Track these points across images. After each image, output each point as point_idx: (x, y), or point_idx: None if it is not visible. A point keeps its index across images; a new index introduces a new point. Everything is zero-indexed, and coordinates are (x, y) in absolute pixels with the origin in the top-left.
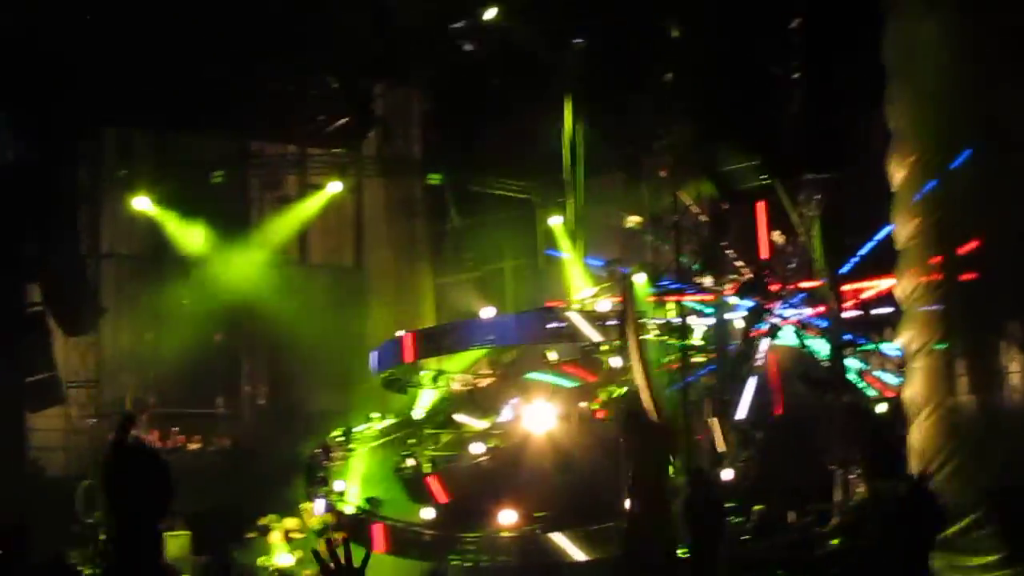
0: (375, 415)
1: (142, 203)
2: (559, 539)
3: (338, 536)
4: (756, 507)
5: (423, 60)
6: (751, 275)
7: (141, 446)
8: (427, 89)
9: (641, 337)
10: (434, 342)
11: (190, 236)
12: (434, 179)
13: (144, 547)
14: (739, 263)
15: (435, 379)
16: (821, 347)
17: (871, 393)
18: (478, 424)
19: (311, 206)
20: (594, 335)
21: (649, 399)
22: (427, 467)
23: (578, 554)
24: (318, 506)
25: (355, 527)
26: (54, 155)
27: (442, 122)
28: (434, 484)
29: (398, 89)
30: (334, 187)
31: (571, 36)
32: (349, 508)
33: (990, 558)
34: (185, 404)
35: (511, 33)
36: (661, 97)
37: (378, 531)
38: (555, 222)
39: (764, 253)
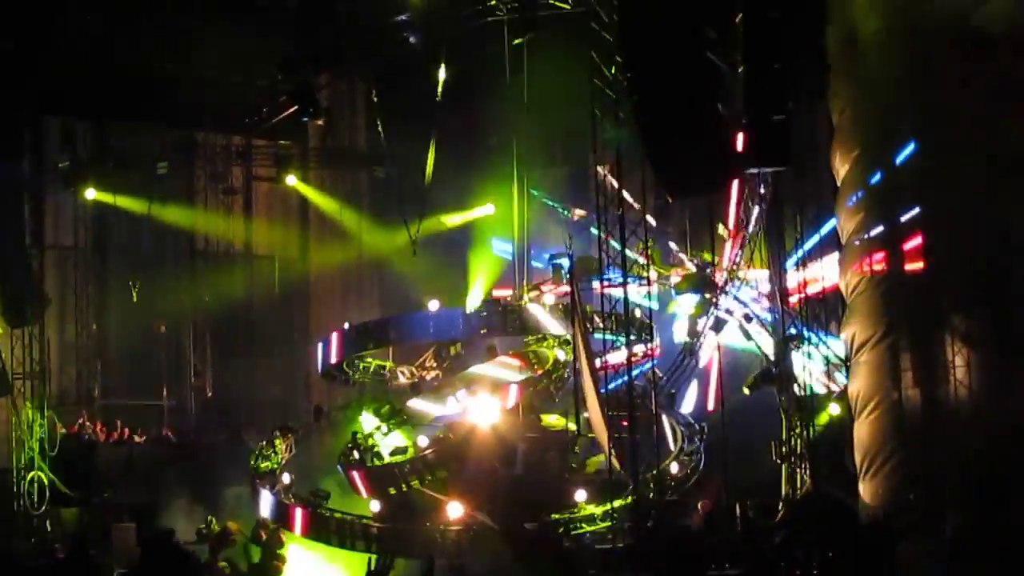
0: (322, 407)
1: (87, 194)
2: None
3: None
4: (702, 501)
5: (367, 52)
6: (695, 268)
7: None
8: (372, 81)
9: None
10: (378, 335)
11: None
12: (378, 171)
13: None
14: (684, 256)
15: (378, 372)
16: (766, 341)
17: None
18: (433, 409)
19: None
20: (545, 327)
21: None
22: (373, 460)
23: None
24: (264, 500)
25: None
26: None
27: (388, 114)
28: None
29: (343, 80)
30: (290, 180)
31: (517, 29)
32: (296, 500)
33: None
34: (130, 395)
35: (455, 26)
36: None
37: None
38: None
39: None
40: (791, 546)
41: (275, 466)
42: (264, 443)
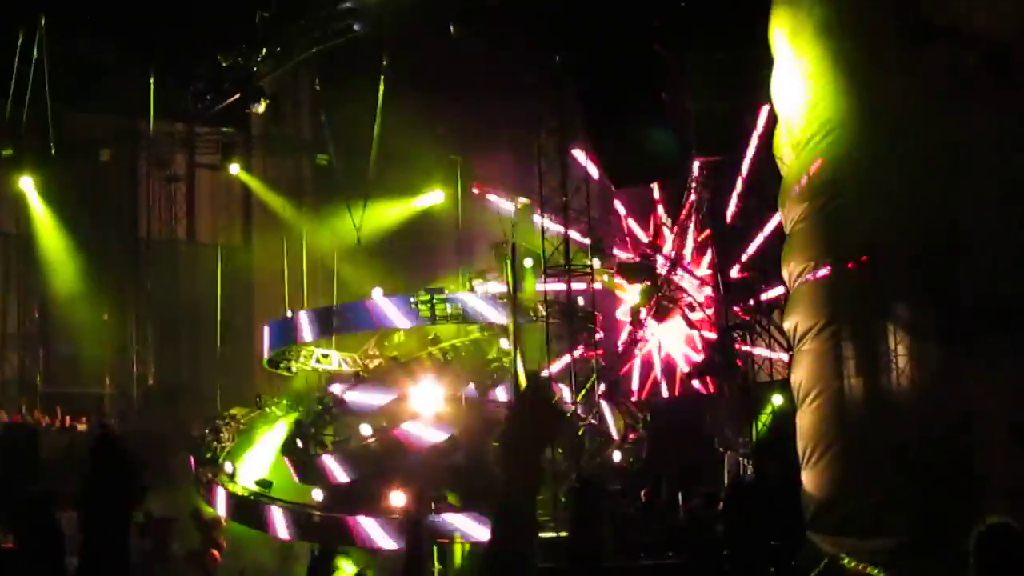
0: (265, 396)
1: (25, 184)
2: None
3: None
4: (644, 489)
5: (312, 39)
6: (638, 257)
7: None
8: (316, 69)
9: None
10: (321, 324)
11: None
12: (323, 159)
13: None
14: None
15: (321, 360)
16: (708, 329)
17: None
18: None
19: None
20: (487, 316)
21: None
22: (316, 449)
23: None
24: (207, 489)
25: (246, 509)
26: None
27: (332, 102)
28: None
29: (286, 68)
30: (233, 168)
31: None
32: (239, 490)
33: (884, 541)
34: (73, 384)
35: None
36: (550, 77)
37: (273, 514)
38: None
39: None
40: (731, 536)
41: (218, 455)
42: (207, 431)
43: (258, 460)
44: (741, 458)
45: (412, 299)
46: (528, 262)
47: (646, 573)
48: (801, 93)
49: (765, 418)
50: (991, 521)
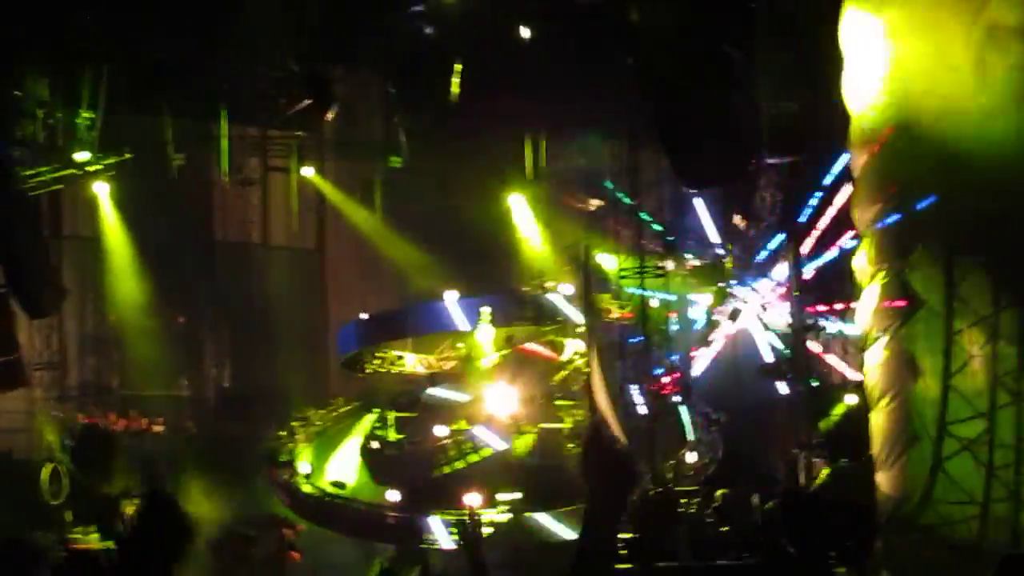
0: (340, 397)
1: (99, 189)
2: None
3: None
4: (719, 491)
5: (382, 44)
6: (712, 259)
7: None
8: (387, 72)
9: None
10: (395, 326)
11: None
12: (395, 162)
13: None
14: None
15: (396, 362)
16: (783, 330)
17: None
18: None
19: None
20: (566, 316)
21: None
22: (391, 450)
23: (559, 533)
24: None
25: (322, 510)
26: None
27: (404, 105)
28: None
29: (358, 72)
30: (306, 171)
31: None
32: (314, 491)
33: (960, 540)
34: (148, 387)
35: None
36: (619, 80)
37: (348, 515)
38: (516, 201)
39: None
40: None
41: (294, 456)
42: (283, 433)
43: (333, 461)
44: (804, 459)
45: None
46: (608, 261)
47: (720, 574)
48: (872, 91)
49: (836, 418)
50: None
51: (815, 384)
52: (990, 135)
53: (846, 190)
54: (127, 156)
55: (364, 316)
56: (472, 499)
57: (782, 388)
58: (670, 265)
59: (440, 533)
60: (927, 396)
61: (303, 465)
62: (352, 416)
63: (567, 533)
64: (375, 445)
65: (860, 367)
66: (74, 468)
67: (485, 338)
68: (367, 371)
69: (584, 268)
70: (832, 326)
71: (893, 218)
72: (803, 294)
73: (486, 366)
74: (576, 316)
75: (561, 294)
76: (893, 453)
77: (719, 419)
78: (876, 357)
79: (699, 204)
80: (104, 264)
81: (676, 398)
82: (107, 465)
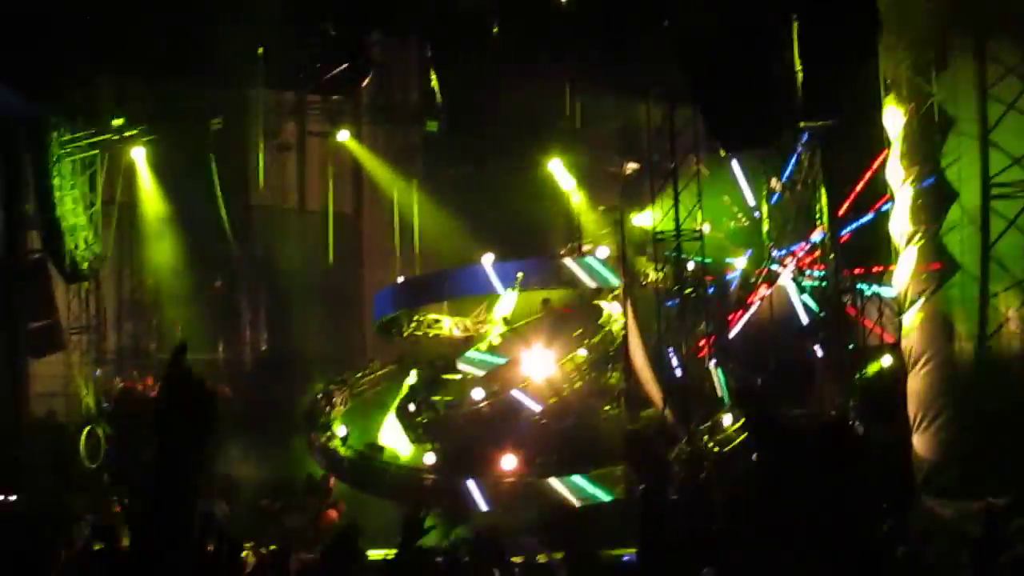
0: (376, 360)
1: (136, 154)
2: (559, 484)
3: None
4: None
5: (420, 7)
6: (747, 221)
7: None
8: (425, 37)
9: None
10: (432, 290)
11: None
12: (431, 126)
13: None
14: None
15: (433, 326)
16: (819, 293)
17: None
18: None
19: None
20: (603, 279)
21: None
22: (428, 412)
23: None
24: (319, 452)
25: (359, 472)
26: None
27: (441, 69)
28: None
29: (395, 36)
30: (342, 135)
31: None
32: (351, 454)
33: (996, 502)
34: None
35: None
36: (657, 45)
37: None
38: (555, 166)
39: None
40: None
41: (331, 419)
42: (320, 396)
43: (370, 424)
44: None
45: (522, 265)
46: (644, 220)
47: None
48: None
49: (871, 378)
50: None
51: (851, 347)
52: None
53: (883, 153)
54: (162, 121)
55: (401, 279)
56: (508, 461)
57: (818, 350)
58: (707, 228)
59: (477, 495)
60: (963, 359)
61: (340, 428)
62: (389, 379)
63: (602, 495)
64: (412, 408)
65: (897, 330)
66: (111, 431)
67: (515, 302)
68: (404, 334)
69: (621, 231)
70: (868, 289)
71: (929, 181)
72: (839, 257)
73: (522, 329)
74: (613, 279)
75: (598, 257)
76: (928, 416)
77: (755, 382)
78: (913, 320)
79: (736, 166)
80: (141, 229)
81: (712, 361)
82: (144, 429)
